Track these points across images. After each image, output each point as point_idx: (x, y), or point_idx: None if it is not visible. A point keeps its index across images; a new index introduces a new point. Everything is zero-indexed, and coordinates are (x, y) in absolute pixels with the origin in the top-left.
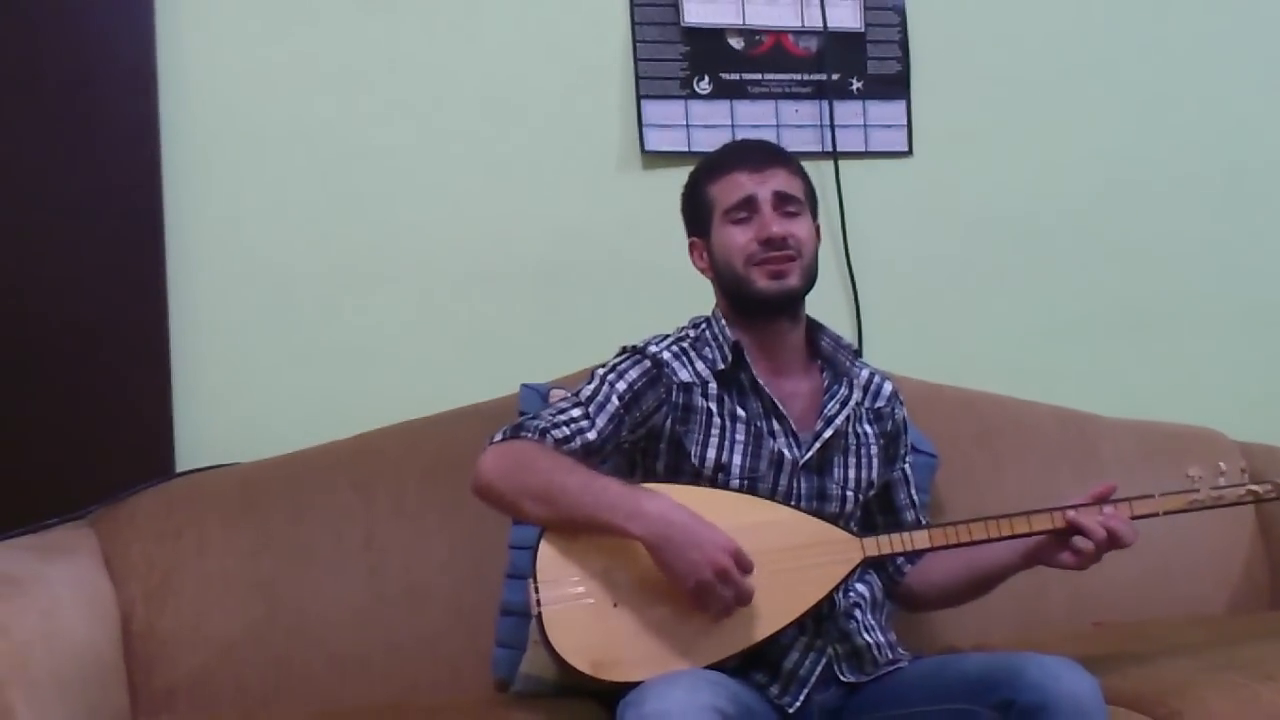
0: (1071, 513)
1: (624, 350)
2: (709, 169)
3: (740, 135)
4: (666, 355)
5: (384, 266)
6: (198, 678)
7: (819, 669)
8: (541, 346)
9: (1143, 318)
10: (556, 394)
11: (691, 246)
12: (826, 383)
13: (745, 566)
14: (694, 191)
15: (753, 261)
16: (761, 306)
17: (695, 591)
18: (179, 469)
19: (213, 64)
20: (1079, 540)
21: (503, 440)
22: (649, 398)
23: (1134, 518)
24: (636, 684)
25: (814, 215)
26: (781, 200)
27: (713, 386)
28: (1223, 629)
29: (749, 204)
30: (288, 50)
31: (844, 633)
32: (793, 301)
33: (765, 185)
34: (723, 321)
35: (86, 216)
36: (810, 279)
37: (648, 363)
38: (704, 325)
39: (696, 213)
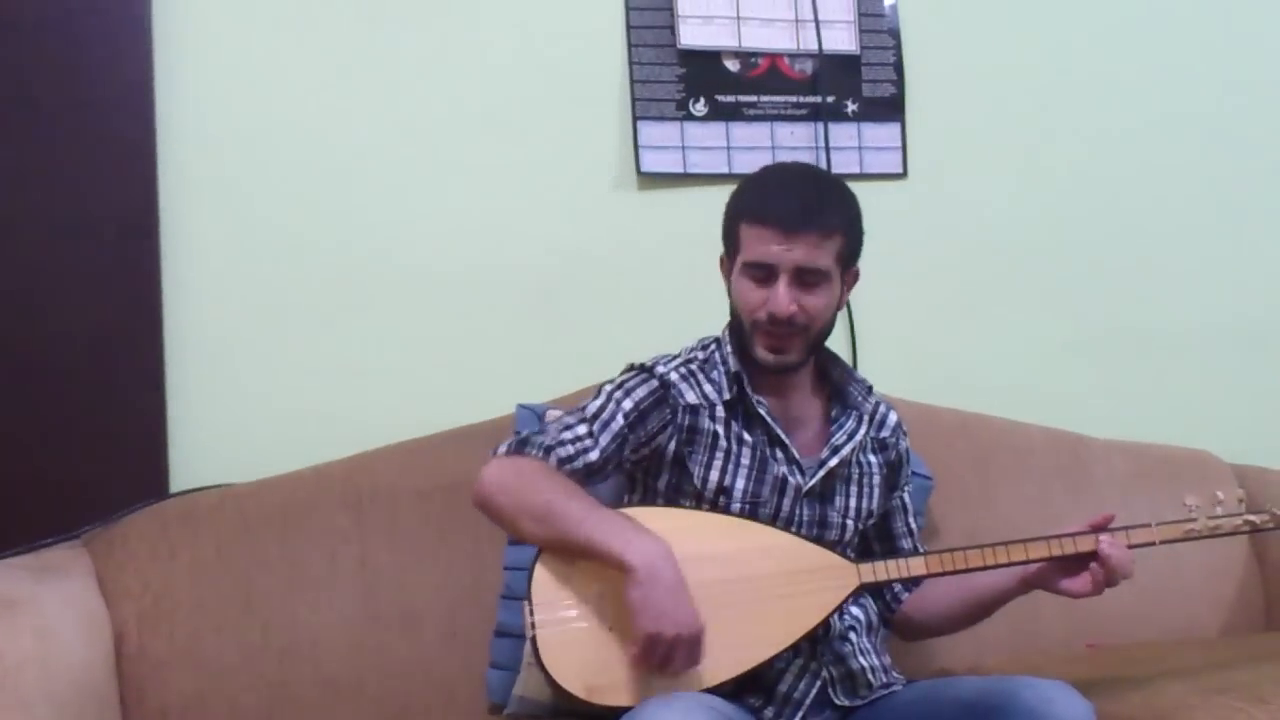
0: (1105, 540)
1: (632, 367)
2: (747, 202)
3: (736, 158)
4: (674, 376)
5: (380, 287)
6: (190, 700)
7: (813, 692)
8: (538, 367)
9: (1136, 340)
10: (553, 414)
11: (722, 260)
12: (835, 413)
13: (696, 656)
14: (730, 213)
15: (758, 328)
16: (758, 367)
17: (649, 638)
18: (173, 489)
19: (209, 84)
20: (1095, 566)
21: (507, 454)
22: (654, 418)
23: (1130, 546)
24: (630, 708)
25: (853, 261)
26: (801, 273)
27: (720, 410)
28: (1216, 652)
29: (768, 271)
30: (284, 71)
31: (839, 656)
32: (790, 371)
33: (789, 255)
34: (728, 348)
35: (82, 235)
36: (818, 344)
37: (655, 382)
38: (712, 347)
39: (728, 236)
